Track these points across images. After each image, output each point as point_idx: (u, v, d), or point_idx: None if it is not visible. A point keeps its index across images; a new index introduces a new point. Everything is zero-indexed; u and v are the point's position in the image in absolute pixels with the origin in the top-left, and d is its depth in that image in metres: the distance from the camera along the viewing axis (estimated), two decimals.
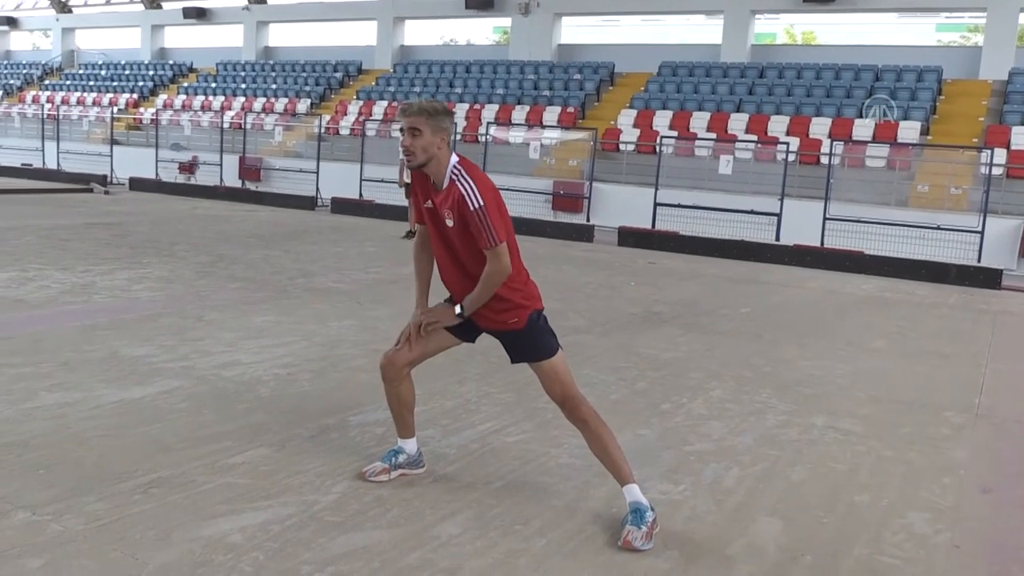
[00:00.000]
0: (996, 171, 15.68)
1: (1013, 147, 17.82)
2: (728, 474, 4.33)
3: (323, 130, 22.57)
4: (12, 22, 39.39)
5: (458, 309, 3.71)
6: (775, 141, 18.59)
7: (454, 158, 3.60)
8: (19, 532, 3.25)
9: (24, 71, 36.53)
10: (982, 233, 13.77)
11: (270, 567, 3.10)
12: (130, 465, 3.93)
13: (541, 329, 3.70)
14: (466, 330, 3.83)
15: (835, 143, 16.53)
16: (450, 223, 3.57)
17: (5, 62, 38.68)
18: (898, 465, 4.62)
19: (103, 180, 22.22)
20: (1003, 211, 15.77)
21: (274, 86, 28.91)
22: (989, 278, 12.65)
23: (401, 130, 3.58)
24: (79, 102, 31.42)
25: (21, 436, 4.23)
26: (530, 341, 3.69)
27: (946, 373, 6.93)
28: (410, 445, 4.00)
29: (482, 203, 3.47)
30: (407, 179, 12.58)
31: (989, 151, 15.03)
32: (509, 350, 3.79)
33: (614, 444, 3.66)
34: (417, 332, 3.78)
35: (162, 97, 30.40)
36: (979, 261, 13.48)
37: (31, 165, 25.44)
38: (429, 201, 3.67)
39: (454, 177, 3.55)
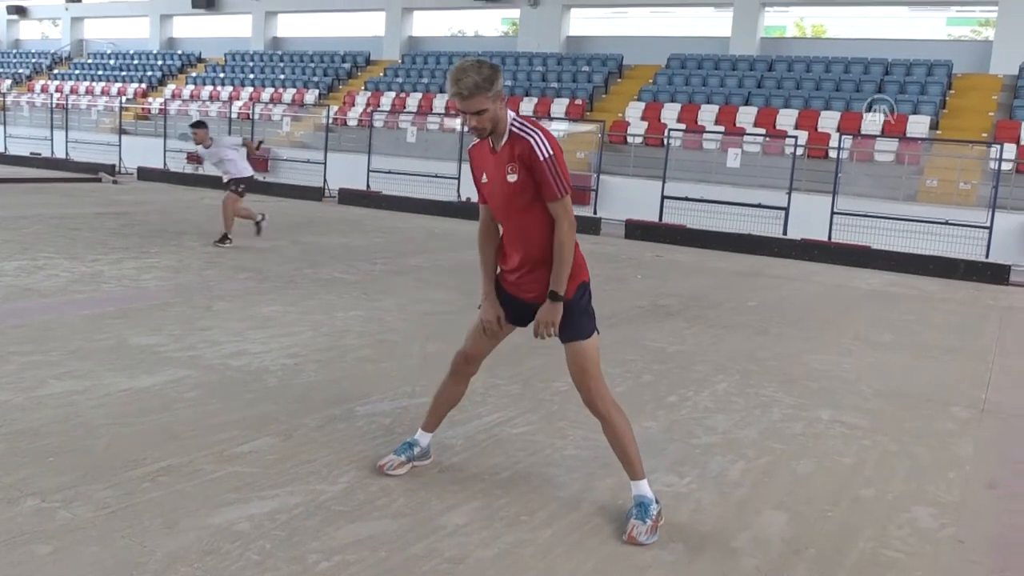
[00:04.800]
0: (1006, 166, 15.61)
1: (1023, 142, 17.74)
2: (733, 467, 4.34)
3: (331, 121, 22.57)
4: (22, 11, 39.45)
5: (554, 296, 3.49)
6: (783, 135, 18.54)
7: (510, 113, 3.45)
8: (28, 519, 3.27)
9: (33, 60, 36.59)
10: (991, 228, 13.72)
11: (277, 555, 3.13)
12: (139, 453, 3.96)
13: (582, 308, 3.56)
14: (522, 315, 3.68)
15: (844, 137, 16.47)
16: (513, 178, 3.41)
17: (14, 51, 38.75)
18: (903, 459, 4.63)
19: (111, 169, 22.26)
20: (1012, 207, 15.69)
21: (282, 76, 28.91)
22: (997, 274, 12.62)
23: (461, 112, 3.34)
24: (88, 92, 31.48)
25: (31, 424, 4.26)
26: (569, 317, 3.53)
27: (953, 368, 6.93)
28: (425, 439, 4.01)
29: (551, 152, 3.37)
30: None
31: (999, 146, 14.96)
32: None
33: (630, 438, 3.58)
34: (488, 328, 3.67)
35: (170, 87, 30.44)
36: (987, 256, 13.43)
37: (40, 154, 25.51)
38: (484, 175, 3.53)
39: (516, 130, 3.41)
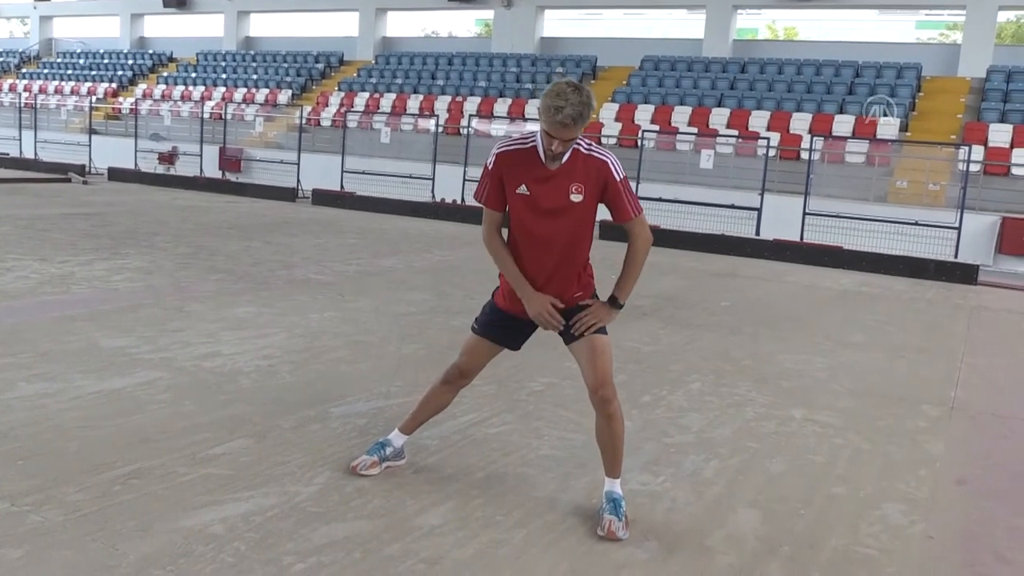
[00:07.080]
0: (974, 168, 15.85)
1: (991, 144, 18.03)
2: (707, 466, 4.37)
3: (304, 121, 22.45)
4: None
5: (615, 303, 3.59)
6: (756, 136, 18.69)
7: None
8: None
9: (1, 59, 36.11)
10: (959, 229, 13.90)
11: (252, 557, 3.11)
12: (110, 456, 3.92)
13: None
14: (518, 336, 3.74)
15: (815, 138, 16.63)
16: (578, 198, 3.38)
17: None
18: (875, 457, 4.68)
19: (81, 170, 22.00)
20: (980, 207, 15.95)
21: (255, 76, 28.74)
22: (966, 273, 12.78)
23: (547, 133, 3.26)
24: (57, 91, 31.13)
25: (0, 427, 4.20)
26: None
27: (923, 367, 7.01)
28: (399, 440, 4.00)
29: (624, 173, 3.42)
30: None
31: (967, 148, 15.17)
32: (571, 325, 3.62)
33: (622, 443, 3.63)
34: (551, 319, 3.54)
35: (141, 87, 30.17)
36: (956, 257, 13.61)
37: (8, 154, 25.17)
38: (523, 186, 3.41)
39: (584, 150, 3.38)
